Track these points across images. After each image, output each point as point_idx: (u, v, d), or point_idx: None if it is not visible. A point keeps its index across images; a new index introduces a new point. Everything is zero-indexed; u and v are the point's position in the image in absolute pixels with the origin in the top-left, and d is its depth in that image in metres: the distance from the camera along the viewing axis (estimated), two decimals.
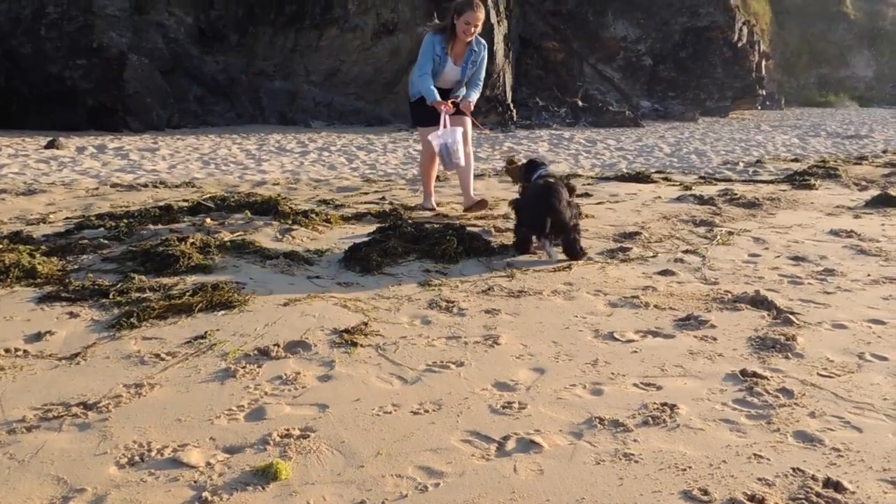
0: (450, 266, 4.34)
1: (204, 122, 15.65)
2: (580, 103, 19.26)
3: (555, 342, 3.16)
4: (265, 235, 4.97)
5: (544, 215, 4.51)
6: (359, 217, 5.90)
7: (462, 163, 5.96)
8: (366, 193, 7.44)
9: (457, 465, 2.14)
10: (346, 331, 3.20)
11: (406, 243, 4.63)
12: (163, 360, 2.86)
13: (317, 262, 4.41)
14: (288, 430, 2.30)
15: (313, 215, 5.64)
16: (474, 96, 6.22)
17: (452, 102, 6.01)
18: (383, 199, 7.03)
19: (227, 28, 16.40)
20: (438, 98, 5.91)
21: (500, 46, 17.43)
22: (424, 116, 6.11)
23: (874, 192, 7.42)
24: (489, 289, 3.91)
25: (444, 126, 5.89)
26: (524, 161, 5.64)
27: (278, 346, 2.99)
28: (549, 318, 3.48)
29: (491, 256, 4.58)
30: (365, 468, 2.12)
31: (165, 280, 3.85)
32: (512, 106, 17.65)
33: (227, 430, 2.31)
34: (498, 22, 17.46)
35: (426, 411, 2.49)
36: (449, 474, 2.09)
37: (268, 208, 5.72)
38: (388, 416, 2.45)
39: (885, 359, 3.01)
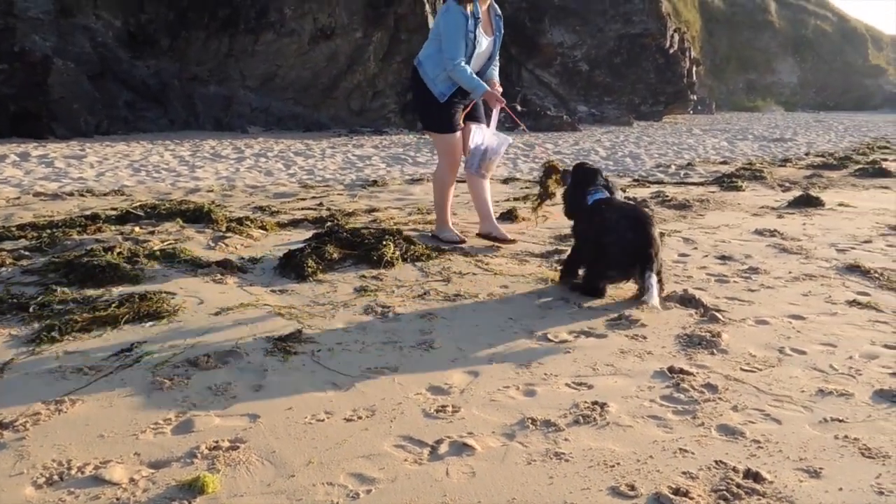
0: (386, 271, 4.33)
1: (135, 129, 15.22)
2: (519, 108, 19.50)
3: (490, 344, 3.19)
4: (197, 244, 4.86)
5: (643, 253, 3.65)
6: (295, 223, 5.83)
7: (488, 175, 5.13)
8: (303, 199, 7.36)
9: (389, 471, 2.13)
10: (280, 339, 3.15)
11: (342, 249, 4.59)
12: (86, 374, 2.76)
13: (251, 269, 4.34)
14: (217, 442, 2.25)
15: (248, 222, 5.54)
16: (497, 75, 5.11)
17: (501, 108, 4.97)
18: (321, 204, 6.97)
19: (159, 32, 16.00)
20: (488, 88, 4.77)
21: None
22: (453, 119, 4.95)
23: (796, 193, 7.74)
24: (425, 293, 3.91)
25: (492, 125, 4.96)
26: (569, 168, 4.58)
27: (209, 356, 2.92)
28: (485, 320, 3.51)
29: (428, 261, 4.58)
30: (296, 477, 2.09)
31: (90, 292, 3.72)
32: None
33: (153, 445, 2.25)
34: None
35: (359, 418, 2.47)
36: (381, 480, 2.08)
37: (201, 216, 5.59)
38: (321, 423, 2.42)
39: (803, 353, 3.13)
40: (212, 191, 7.92)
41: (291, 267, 4.26)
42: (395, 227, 5.53)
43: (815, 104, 36.24)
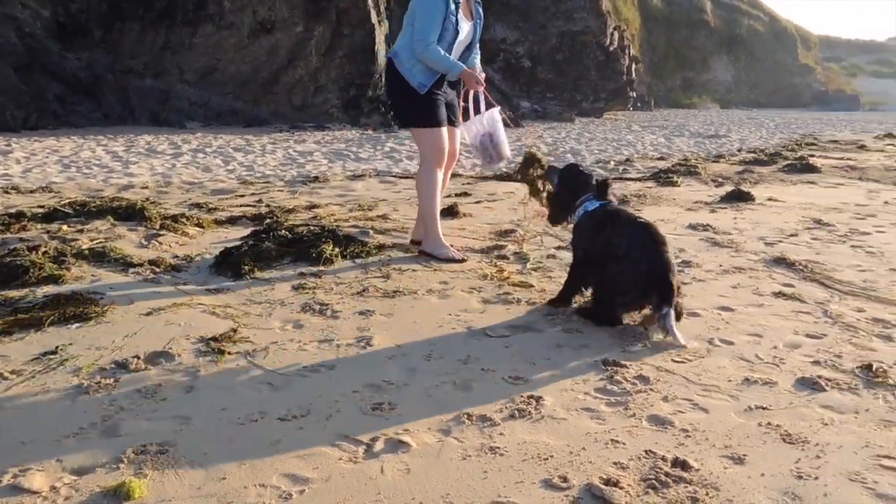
0: (325, 268, 4.28)
1: (66, 123, 14.67)
2: (462, 104, 19.55)
3: (427, 341, 3.19)
4: (129, 242, 4.72)
5: (662, 283, 3.20)
6: (233, 221, 5.72)
7: (509, 153, 4.58)
8: (242, 196, 7.23)
9: (323, 470, 2.11)
10: (214, 338, 3.08)
11: (281, 246, 4.53)
12: (6, 379, 2.65)
13: (185, 268, 4.24)
14: (144, 446, 2.19)
15: (184, 220, 5.41)
16: (479, 63, 4.73)
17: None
18: (260, 201, 6.85)
19: (91, 23, 15.45)
20: (465, 67, 4.36)
21: (381, 47, 17.42)
22: (437, 112, 4.43)
23: (729, 188, 7.98)
24: (364, 290, 3.89)
25: (479, 110, 4.47)
26: (559, 166, 4.01)
27: (138, 357, 2.84)
28: (424, 317, 3.51)
29: (368, 258, 4.56)
30: (227, 480, 2.05)
31: (12, 293, 3.57)
32: None
33: (77, 451, 2.17)
34: (379, 22, 17.45)
35: (294, 417, 2.44)
36: (314, 480, 2.06)
37: (133, 213, 5.43)
38: (255, 424, 2.39)
39: (731, 343, 3.23)
40: (146, 187, 7.70)
41: (228, 265, 4.18)
42: (335, 223, 5.49)
43: (748, 101, 37.42)
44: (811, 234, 5.72)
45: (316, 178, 8.59)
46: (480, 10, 4.59)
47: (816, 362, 3.03)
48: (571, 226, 3.70)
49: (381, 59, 17.42)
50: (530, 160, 4.40)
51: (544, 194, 4.25)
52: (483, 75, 4.54)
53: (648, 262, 3.24)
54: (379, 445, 2.27)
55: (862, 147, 14.49)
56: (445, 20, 4.23)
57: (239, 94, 16.57)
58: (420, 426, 2.40)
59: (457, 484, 2.07)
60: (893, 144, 15.42)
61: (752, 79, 39.52)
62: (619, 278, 3.29)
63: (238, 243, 4.58)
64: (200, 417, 2.41)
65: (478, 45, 4.65)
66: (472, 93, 4.45)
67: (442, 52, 4.27)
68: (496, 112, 4.50)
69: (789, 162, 10.78)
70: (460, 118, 4.64)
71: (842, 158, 12.09)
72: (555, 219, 3.88)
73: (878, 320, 3.57)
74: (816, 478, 2.14)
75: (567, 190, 3.74)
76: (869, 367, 2.93)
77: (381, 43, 17.45)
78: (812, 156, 11.93)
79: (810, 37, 45.47)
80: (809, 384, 2.80)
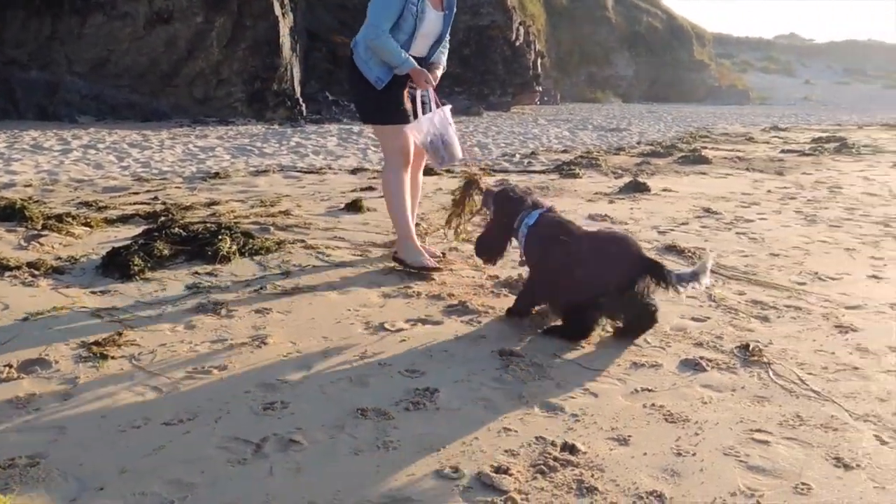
0: (222, 267, 4.16)
1: None
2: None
3: (325, 337, 3.15)
4: (7, 244, 4.43)
5: (639, 261, 3.09)
6: (125, 219, 5.47)
7: (461, 153, 4.25)
8: (136, 193, 6.92)
9: (209, 474, 2.05)
10: (97, 343, 2.94)
11: (174, 245, 4.36)
12: None
13: (69, 270, 4.02)
14: (13, 459, 2.06)
15: (70, 219, 5.12)
16: (445, 60, 4.34)
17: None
18: (156, 198, 6.58)
19: None
20: (416, 64, 4.00)
21: (286, 39, 17.04)
22: (399, 108, 4.11)
23: (627, 179, 8.26)
24: (261, 288, 3.80)
25: (427, 109, 4.15)
26: (495, 189, 3.82)
27: (10, 366, 2.67)
28: (322, 313, 3.46)
29: (268, 254, 4.45)
30: (105, 490, 1.96)
31: None
32: (301, 100, 17.36)
33: None
34: (283, 14, 17.06)
35: (181, 421, 2.36)
36: (199, 485, 2.00)
37: (12, 213, 5.10)
38: (137, 430, 2.29)
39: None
40: (30, 185, 7.25)
41: (115, 266, 3.98)
42: (234, 220, 5.33)
43: (648, 96, 38.83)
44: (700, 222, 5.99)
45: (217, 175, 8.32)
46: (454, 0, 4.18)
47: (699, 344, 3.18)
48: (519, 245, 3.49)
49: (287, 51, 17.06)
50: (470, 184, 4.23)
51: (466, 217, 4.28)
52: (440, 70, 4.24)
53: (617, 255, 3.09)
54: (269, 446, 2.22)
55: (750, 139, 15.31)
56: (405, 8, 3.86)
57: (135, 86, 15.82)
58: (313, 424, 2.37)
59: (348, 480, 2.06)
60: (778, 136, 16.38)
61: (652, 74, 40.99)
62: (594, 279, 3.05)
63: (128, 243, 4.38)
64: (77, 427, 2.29)
65: (447, 40, 4.26)
66: (419, 92, 4.13)
67: (393, 43, 3.89)
68: (447, 111, 4.18)
69: (684, 154, 11.26)
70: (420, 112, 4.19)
71: (731, 150, 12.73)
72: (491, 255, 3.65)
73: (756, 302, 3.79)
74: (694, 454, 2.24)
75: (502, 204, 3.58)
76: (746, 346, 3.10)
77: (285, 35, 17.06)
78: (704, 148, 12.50)
79: (705, 34, 47.60)
80: (692, 365, 2.93)
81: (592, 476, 2.10)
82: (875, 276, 4.37)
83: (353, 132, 13.95)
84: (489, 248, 3.65)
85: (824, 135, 16.22)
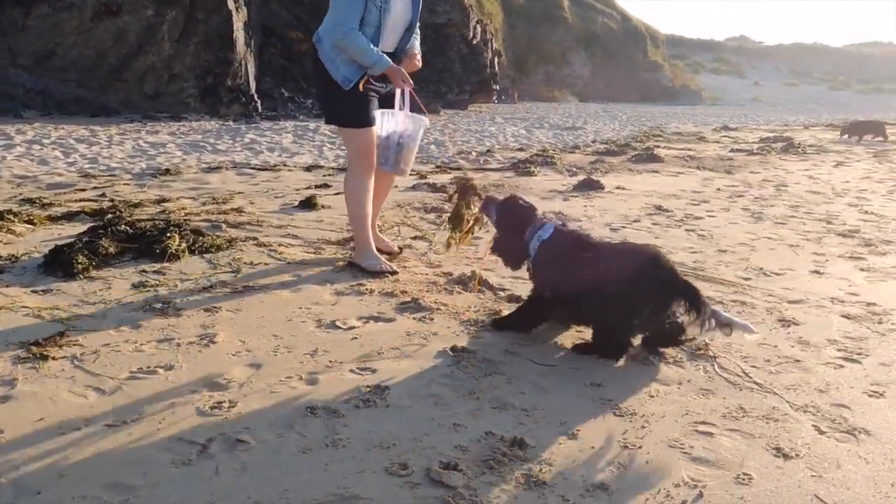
0: (170, 265, 4.07)
1: None
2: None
3: (275, 335, 3.11)
4: None
5: (674, 284, 2.89)
6: (70, 216, 5.31)
7: (408, 170, 4.21)
8: (83, 190, 6.73)
9: (152, 477, 2.01)
10: (37, 343, 2.85)
11: (121, 243, 4.25)
12: None
13: (9, 269, 3.88)
14: None
15: (10, 216, 4.96)
16: (419, 45, 4.19)
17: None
18: (103, 195, 6.41)
19: None
20: (391, 62, 3.83)
21: (240, 34, 16.78)
22: (366, 110, 3.93)
23: (582, 177, 8.36)
24: (211, 286, 3.73)
25: (400, 108, 3.99)
26: (497, 198, 3.49)
27: None
28: (273, 311, 3.42)
29: (218, 252, 4.38)
30: (42, 494, 1.90)
31: None
32: (256, 97, 17.11)
33: None
34: (237, 8, 16.79)
35: (124, 423, 2.30)
36: (141, 487, 1.95)
37: None
38: (78, 433, 2.22)
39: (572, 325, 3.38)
40: None
41: (58, 264, 3.87)
42: (184, 218, 5.22)
43: (604, 96, 39.34)
44: (652, 219, 6.10)
45: (168, 171, 8.14)
46: None
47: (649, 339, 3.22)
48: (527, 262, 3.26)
49: (241, 46, 16.79)
50: (465, 190, 3.84)
51: (468, 228, 3.82)
52: (419, 59, 4.07)
53: (652, 274, 2.86)
54: (215, 446, 2.18)
55: (701, 139, 15.65)
56: (368, 0, 3.66)
57: (83, 81, 15.39)
58: (261, 423, 2.34)
59: (296, 479, 2.03)
60: (728, 136, 16.77)
61: (608, 74, 41.54)
62: (626, 299, 2.85)
63: (72, 240, 4.25)
64: (14, 430, 2.21)
65: (417, 27, 4.09)
66: (398, 92, 3.96)
67: (365, 40, 3.68)
68: (424, 122, 4.05)
69: (637, 152, 11.44)
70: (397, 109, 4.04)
71: (683, 149, 12.99)
72: (513, 261, 3.33)
73: None
74: (640, 447, 2.28)
75: (512, 227, 3.29)
76: (692, 340, 3.16)
77: (239, 30, 16.79)
78: (657, 147, 12.71)
79: (658, 35, 48.43)
80: (641, 359, 2.98)
81: (541, 470, 2.12)
82: (817, 272, 4.51)
83: (308, 129, 13.80)
84: (510, 251, 3.32)
85: (772, 135, 16.68)
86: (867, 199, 7.47)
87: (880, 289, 4.15)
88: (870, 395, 2.71)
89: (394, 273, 4.06)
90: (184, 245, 4.30)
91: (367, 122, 3.95)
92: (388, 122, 4.00)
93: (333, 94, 3.88)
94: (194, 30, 16.15)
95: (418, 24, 4.09)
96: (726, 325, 2.83)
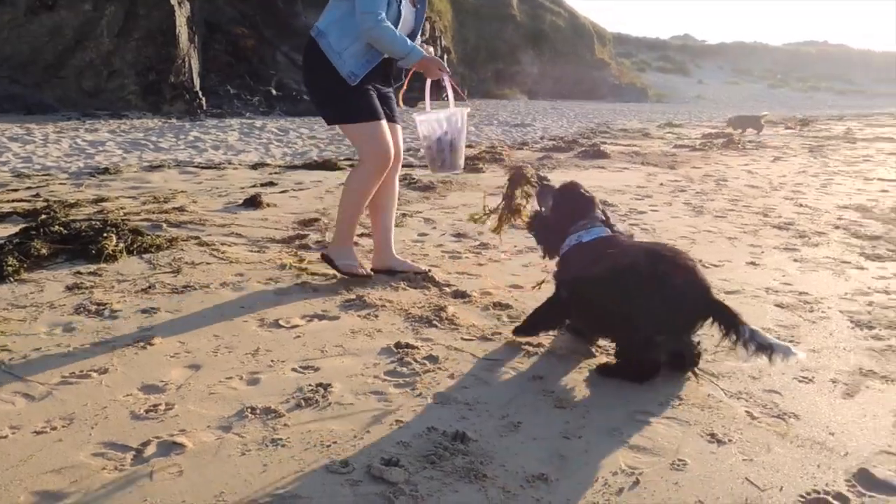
0: (107, 266, 3.96)
1: None
2: (274, 92, 19.00)
3: (216, 336, 3.05)
4: None
5: (706, 302, 2.66)
6: (1, 218, 5.12)
7: (462, 164, 3.91)
8: (15, 191, 6.50)
9: (83, 483, 1.95)
10: None
11: (54, 244, 4.12)
12: None
13: None
14: None
15: None
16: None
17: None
18: (37, 195, 6.20)
19: None
20: (424, 52, 3.65)
21: (183, 30, 16.43)
22: (372, 103, 3.71)
23: None
24: (150, 287, 3.65)
25: (443, 98, 3.75)
26: (553, 185, 3.32)
27: None
28: (214, 311, 3.35)
29: (158, 252, 4.27)
30: None
31: None
32: (201, 94, 16.78)
33: None
34: (179, 3, 16.42)
35: (54, 428, 2.23)
36: (71, 494, 1.89)
37: None
38: (4, 440, 2.14)
39: (516, 319, 3.41)
40: None
41: None
42: (123, 218, 5.09)
43: (553, 93, 39.78)
44: None
45: (107, 170, 7.93)
46: None
47: None
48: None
49: (184, 42, 16.43)
50: (517, 179, 3.51)
51: (525, 214, 3.51)
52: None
53: (683, 287, 2.63)
54: (150, 450, 2.13)
55: (646, 135, 15.96)
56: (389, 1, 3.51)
57: (17, 77, 14.86)
58: (198, 425, 2.29)
59: (233, 480, 2.00)
60: (672, 132, 17.14)
61: (556, 72, 42.02)
62: (652, 313, 2.62)
63: (1, 242, 4.10)
64: None
65: (420, 35, 3.93)
66: (428, 82, 3.73)
67: (394, 29, 3.48)
68: (465, 113, 3.80)
69: (584, 149, 11.60)
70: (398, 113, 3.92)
71: (629, 145, 13.22)
72: (548, 250, 3.18)
73: None
74: (580, 437, 2.31)
75: (562, 215, 3.13)
76: None
77: (182, 26, 16.44)
78: (604, 143, 12.93)
79: (605, 33, 49.20)
80: (582, 351, 3.02)
81: (482, 463, 2.13)
82: (753, 263, 4.64)
83: (255, 126, 13.60)
84: (547, 241, 3.19)
85: (714, 131, 17.10)
86: (802, 193, 7.73)
87: (812, 278, 4.30)
88: (800, 381, 2.80)
89: (368, 276, 3.91)
90: (121, 245, 4.20)
91: (377, 115, 3.71)
92: (431, 126, 3.75)
93: (338, 91, 3.64)
94: (135, 25, 15.77)
95: (419, 34, 3.93)
96: (767, 348, 2.49)
